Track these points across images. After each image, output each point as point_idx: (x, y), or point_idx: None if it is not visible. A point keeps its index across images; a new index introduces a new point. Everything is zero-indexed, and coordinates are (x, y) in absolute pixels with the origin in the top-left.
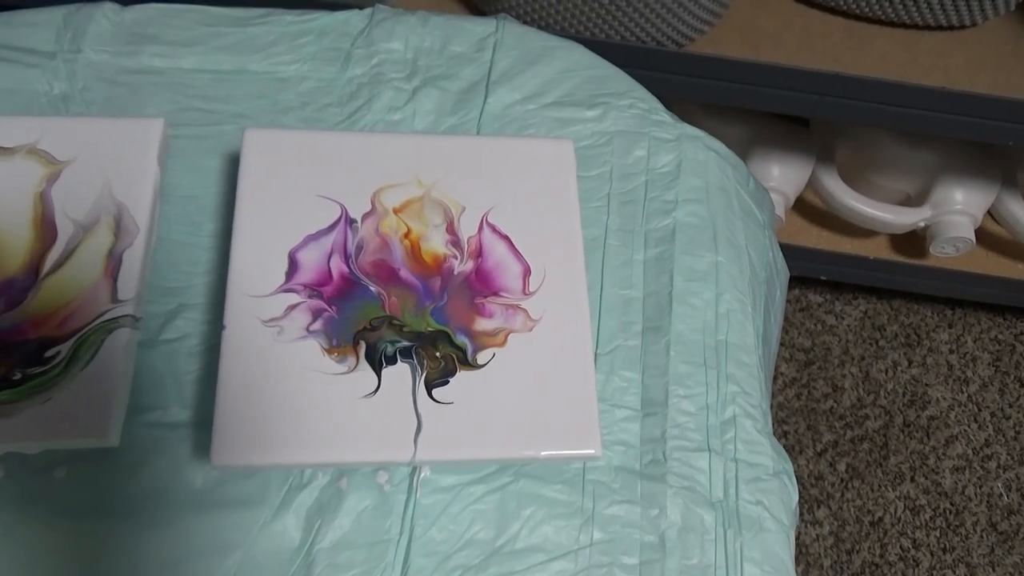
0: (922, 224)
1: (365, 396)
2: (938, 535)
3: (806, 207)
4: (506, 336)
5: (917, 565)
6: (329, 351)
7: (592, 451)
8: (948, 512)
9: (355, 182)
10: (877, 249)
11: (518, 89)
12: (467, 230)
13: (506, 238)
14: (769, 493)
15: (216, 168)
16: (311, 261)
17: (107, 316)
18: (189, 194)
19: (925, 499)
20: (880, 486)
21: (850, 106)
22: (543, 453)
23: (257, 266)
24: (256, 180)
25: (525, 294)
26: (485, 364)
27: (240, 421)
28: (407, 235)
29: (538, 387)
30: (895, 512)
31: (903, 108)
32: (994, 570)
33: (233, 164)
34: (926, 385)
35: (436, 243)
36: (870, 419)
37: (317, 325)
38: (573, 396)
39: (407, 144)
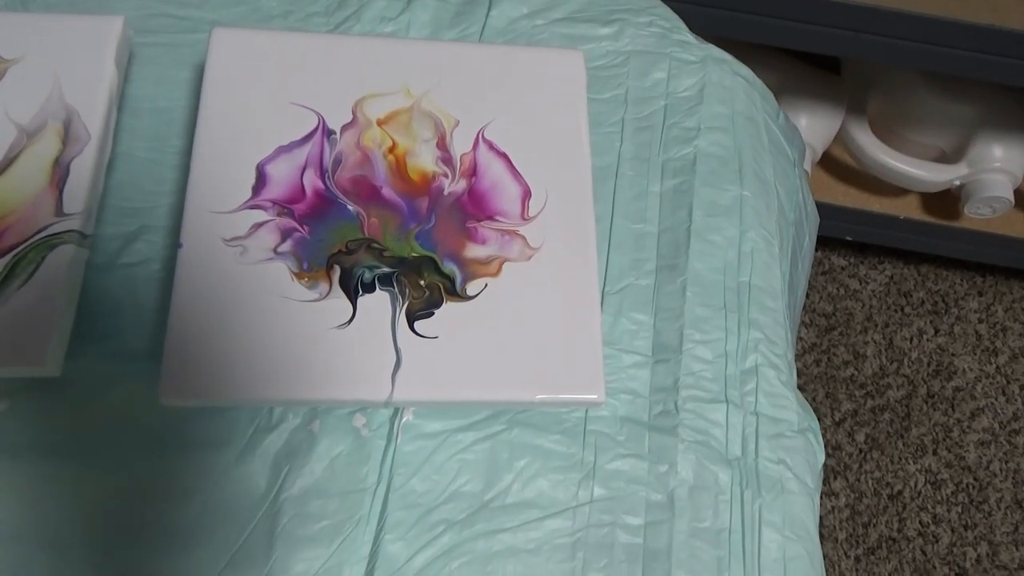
0: (957, 183)
1: (338, 327)
2: (960, 511)
3: (832, 162)
4: (500, 265)
5: (937, 541)
6: (299, 275)
7: (594, 397)
8: (971, 487)
9: (335, 90)
10: (907, 209)
11: (524, 2)
12: (460, 146)
13: (504, 156)
14: (793, 452)
15: (187, 80)
16: (282, 175)
17: (50, 231)
18: (156, 107)
19: (947, 473)
20: (900, 458)
21: (888, 45)
22: (538, 397)
23: (220, 178)
24: (223, 84)
25: (524, 219)
26: (475, 295)
27: (195, 353)
28: (392, 150)
29: (535, 323)
30: (915, 486)
31: (946, 48)
32: (1017, 549)
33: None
34: (952, 355)
35: (424, 159)
36: (892, 388)
37: (286, 246)
38: (574, 334)
39: (395, 49)
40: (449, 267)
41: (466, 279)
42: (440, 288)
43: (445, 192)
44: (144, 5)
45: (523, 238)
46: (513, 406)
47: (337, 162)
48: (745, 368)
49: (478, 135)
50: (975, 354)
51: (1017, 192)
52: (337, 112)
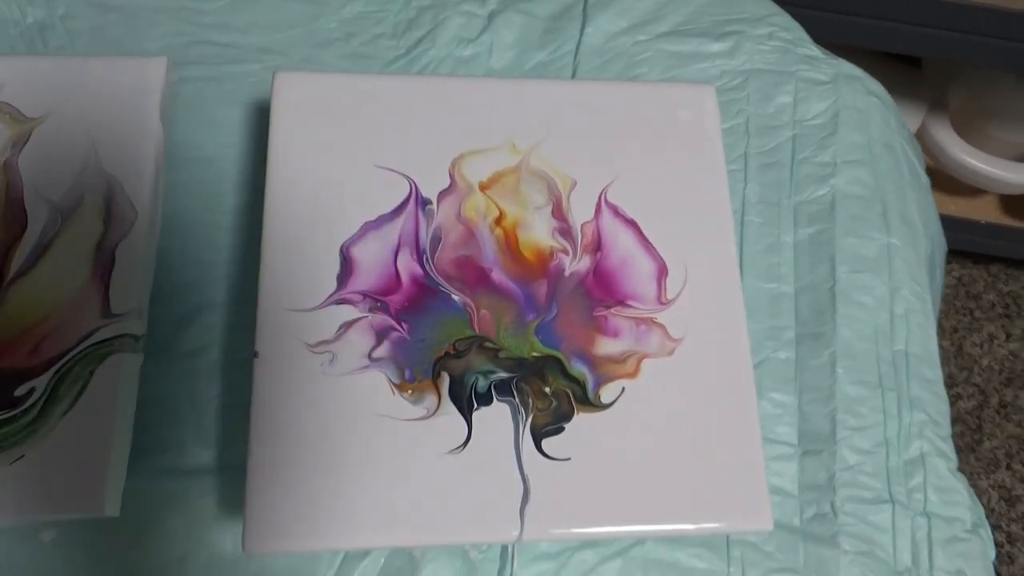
0: None
1: (451, 451)
2: None
3: None
4: (638, 363)
5: (1012, 562)
6: (400, 387)
7: (761, 525)
8: None
9: (426, 147)
10: (985, 209)
11: (624, 14)
12: (580, 213)
13: (633, 224)
14: (970, 558)
15: (237, 122)
16: (372, 259)
17: (97, 337)
18: (203, 156)
19: (1022, 489)
20: (972, 474)
21: (972, 43)
22: (694, 527)
23: (298, 268)
24: (292, 146)
25: (661, 303)
26: (611, 403)
27: (281, 490)
28: (499, 221)
29: (683, 434)
30: (988, 503)
31: None
32: None
33: (259, 115)
34: None
35: (539, 232)
36: (962, 399)
37: (383, 350)
38: (731, 445)
39: (495, 92)
40: (578, 368)
41: (599, 382)
42: (569, 395)
43: (566, 273)
44: (180, 31)
45: (662, 327)
46: (663, 536)
47: (436, 239)
48: (909, 458)
49: (600, 198)
50: None
51: None
52: (431, 175)
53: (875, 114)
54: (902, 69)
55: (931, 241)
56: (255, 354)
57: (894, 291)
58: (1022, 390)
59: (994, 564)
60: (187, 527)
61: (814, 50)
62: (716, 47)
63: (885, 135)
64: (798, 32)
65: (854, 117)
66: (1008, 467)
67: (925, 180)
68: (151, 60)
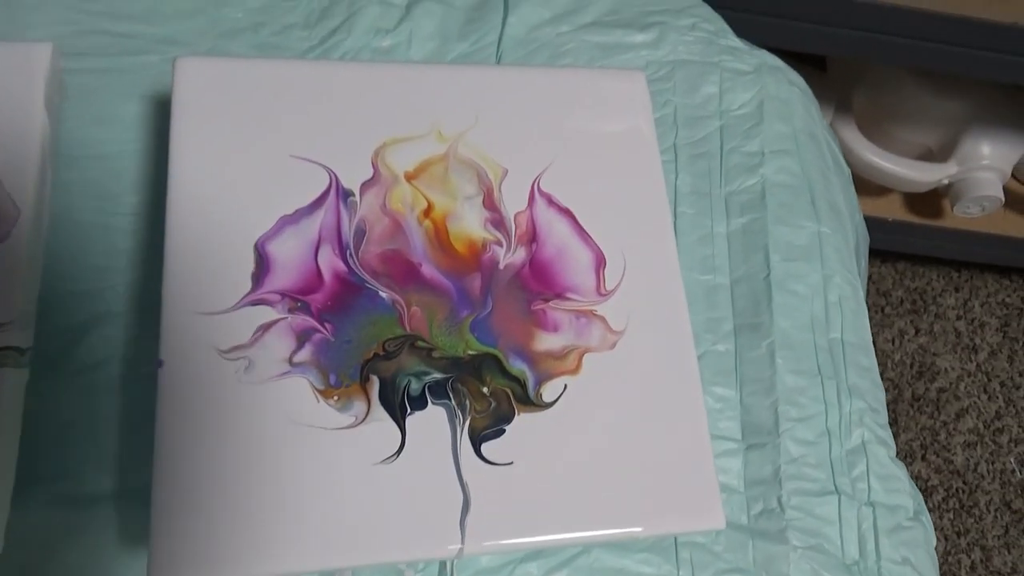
0: (945, 181)
1: (383, 461)
2: (951, 517)
3: None
4: (580, 357)
5: None
6: (325, 393)
7: (713, 524)
8: (961, 492)
9: (347, 135)
10: (889, 208)
11: (546, 5)
12: (512, 203)
13: (567, 213)
14: (913, 545)
15: (135, 116)
16: (290, 256)
17: None
18: (98, 153)
19: (937, 479)
20: None
21: (873, 41)
22: (644, 530)
23: (207, 267)
24: (197, 136)
25: (600, 294)
26: (554, 401)
27: (191, 514)
28: (428, 213)
29: (628, 432)
30: None
31: (934, 44)
32: (1009, 552)
33: (159, 110)
34: (934, 355)
35: (470, 223)
36: None
37: (305, 354)
38: (678, 441)
39: (419, 78)
40: (517, 366)
41: (540, 380)
42: (509, 395)
43: (501, 265)
44: (70, 20)
45: (603, 320)
46: (612, 541)
47: (360, 233)
48: (851, 447)
49: (533, 187)
50: (956, 352)
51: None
52: (352, 165)
53: (797, 104)
54: (807, 72)
55: (856, 230)
56: (159, 363)
57: (827, 279)
58: (932, 383)
59: (937, 550)
60: (85, 562)
61: (736, 41)
62: (640, 38)
63: (808, 125)
64: (719, 23)
65: (778, 107)
66: (923, 458)
67: (847, 170)
68: (35, 44)
